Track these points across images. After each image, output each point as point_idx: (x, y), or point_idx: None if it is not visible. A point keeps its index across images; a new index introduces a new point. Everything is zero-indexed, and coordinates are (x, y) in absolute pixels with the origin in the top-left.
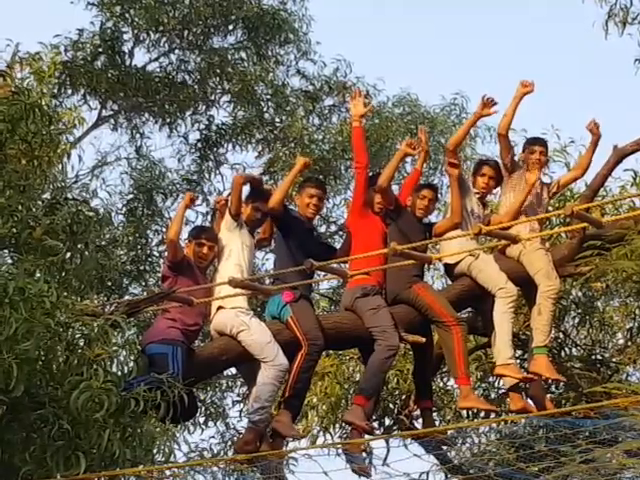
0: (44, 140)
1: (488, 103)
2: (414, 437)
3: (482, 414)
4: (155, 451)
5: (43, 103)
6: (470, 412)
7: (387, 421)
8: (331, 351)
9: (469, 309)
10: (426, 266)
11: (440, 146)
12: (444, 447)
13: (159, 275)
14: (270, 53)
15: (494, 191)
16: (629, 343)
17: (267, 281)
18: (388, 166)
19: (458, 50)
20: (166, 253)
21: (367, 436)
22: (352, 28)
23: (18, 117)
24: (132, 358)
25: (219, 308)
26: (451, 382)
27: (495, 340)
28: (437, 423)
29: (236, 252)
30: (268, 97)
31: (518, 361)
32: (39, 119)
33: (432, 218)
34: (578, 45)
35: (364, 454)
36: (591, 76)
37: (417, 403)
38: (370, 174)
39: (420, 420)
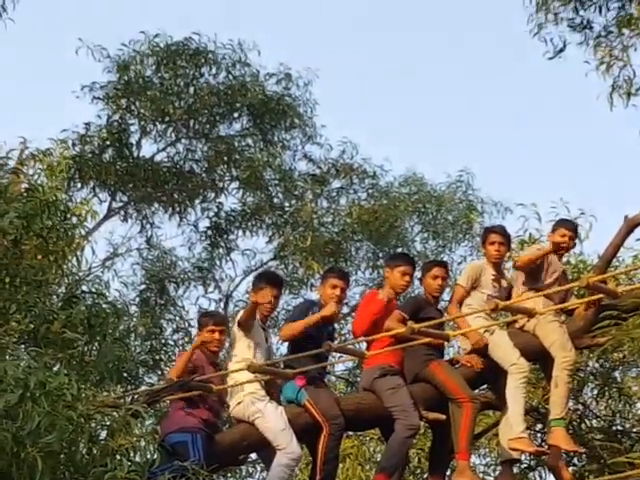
0: (59, 235)
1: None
2: None
3: None
4: None
5: (56, 198)
6: None
7: None
8: (351, 432)
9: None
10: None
11: (448, 223)
12: None
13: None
14: (276, 138)
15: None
16: None
17: (281, 366)
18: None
19: (462, 127)
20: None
21: None
22: (356, 109)
23: (33, 213)
24: (154, 447)
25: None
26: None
27: (507, 415)
28: None
29: (242, 352)
30: (276, 182)
31: (539, 434)
32: (54, 214)
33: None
34: (583, 117)
35: None
36: (598, 147)
37: (429, 478)
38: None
39: None
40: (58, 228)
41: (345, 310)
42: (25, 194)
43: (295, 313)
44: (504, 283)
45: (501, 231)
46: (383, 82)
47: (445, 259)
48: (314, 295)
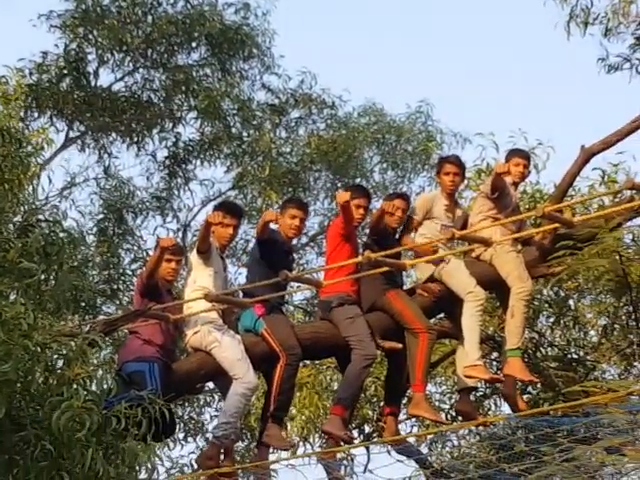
0: (14, 163)
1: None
2: (393, 443)
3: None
4: (138, 468)
5: (11, 126)
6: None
7: (367, 428)
8: (308, 361)
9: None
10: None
11: (407, 154)
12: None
13: (132, 293)
14: (234, 68)
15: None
16: (603, 340)
17: (240, 295)
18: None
19: (422, 57)
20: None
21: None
22: (315, 39)
23: None
24: (110, 376)
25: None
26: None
27: (463, 342)
28: (415, 429)
29: (201, 280)
30: (234, 112)
31: (494, 363)
32: (9, 142)
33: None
34: (541, 46)
35: (344, 462)
36: (556, 77)
37: (385, 407)
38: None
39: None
40: (13, 156)
41: (304, 240)
42: None
43: None
44: (459, 212)
45: (456, 161)
46: (342, 12)
47: (404, 189)
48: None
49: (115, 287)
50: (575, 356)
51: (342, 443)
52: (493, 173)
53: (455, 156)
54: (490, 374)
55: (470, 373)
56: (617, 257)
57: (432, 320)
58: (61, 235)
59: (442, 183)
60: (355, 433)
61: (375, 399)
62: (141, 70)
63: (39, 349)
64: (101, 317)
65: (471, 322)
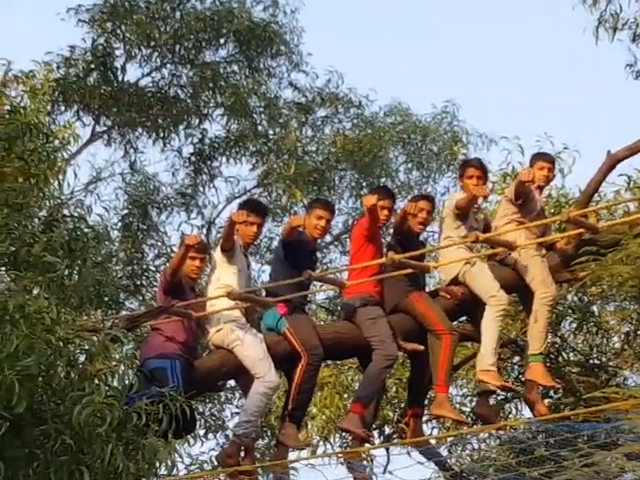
0: (41, 158)
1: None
2: (414, 445)
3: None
4: (158, 464)
5: (39, 121)
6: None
7: (387, 429)
8: (330, 361)
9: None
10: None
11: (432, 154)
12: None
13: (156, 289)
14: (262, 66)
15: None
16: (625, 347)
17: (263, 294)
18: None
19: (449, 59)
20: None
21: (367, 445)
22: (343, 39)
23: (15, 136)
24: (132, 372)
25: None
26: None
27: (480, 346)
28: (436, 431)
29: (225, 277)
30: (261, 109)
31: (516, 367)
32: (36, 137)
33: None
34: (570, 52)
35: (365, 463)
36: (584, 82)
37: (408, 409)
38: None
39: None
40: (40, 151)
41: (328, 239)
42: (7, 116)
43: None
44: (480, 216)
45: (478, 165)
46: (370, 12)
47: (429, 190)
48: None
49: (138, 283)
50: (597, 362)
51: (362, 442)
52: (517, 180)
53: (478, 159)
54: (501, 381)
55: (483, 378)
56: None
57: (454, 323)
58: (86, 231)
59: (465, 187)
60: (375, 434)
61: (396, 400)
62: (168, 66)
63: (61, 344)
64: (124, 313)
65: (490, 326)
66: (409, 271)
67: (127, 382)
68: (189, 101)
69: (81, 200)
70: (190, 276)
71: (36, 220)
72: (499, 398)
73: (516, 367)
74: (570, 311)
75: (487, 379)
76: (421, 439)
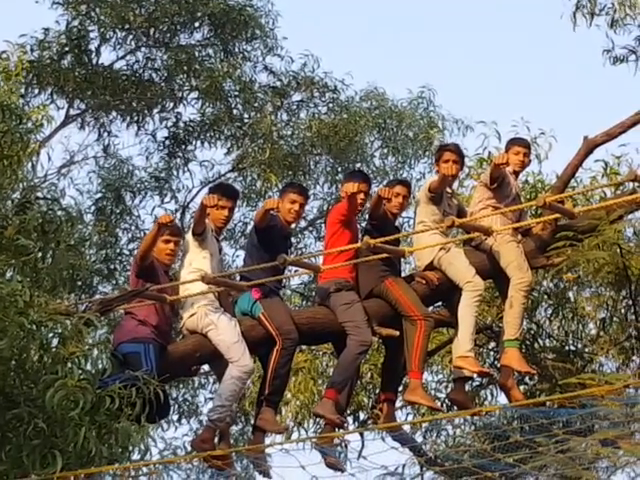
0: (14, 139)
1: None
2: (388, 430)
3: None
4: (131, 448)
5: (12, 102)
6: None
7: (362, 415)
8: (304, 346)
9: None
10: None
11: (408, 139)
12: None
13: (129, 274)
14: (237, 49)
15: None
16: (601, 333)
17: (237, 278)
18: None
19: (425, 42)
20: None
21: (341, 430)
22: (319, 23)
23: None
24: (105, 356)
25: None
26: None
27: (457, 332)
28: (410, 417)
29: (197, 262)
30: (236, 93)
31: (492, 353)
32: (9, 118)
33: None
34: (546, 36)
35: (338, 448)
36: (560, 67)
37: (382, 394)
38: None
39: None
40: (13, 132)
41: (302, 224)
42: None
43: None
44: (454, 202)
45: (455, 149)
46: None
47: (404, 175)
48: None
49: (112, 267)
50: (573, 348)
51: (335, 428)
52: (492, 164)
53: (454, 144)
54: (479, 367)
55: (460, 364)
56: (617, 250)
57: (430, 308)
58: (59, 213)
59: (441, 171)
60: (350, 420)
61: (370, 386)
62: (143, 49)
63: (34, 327)
64: (97, 296)
65: (467, 312)
66: (384, 256)
67: (100, 366)
68: (163, 84)
69: (54, 183)
70: (164, 260)
71: (9, 202)
72: (474, 384)
73: (492, 353)
74: (546, 297)
75: (465, 365)
76: (396, 424)
